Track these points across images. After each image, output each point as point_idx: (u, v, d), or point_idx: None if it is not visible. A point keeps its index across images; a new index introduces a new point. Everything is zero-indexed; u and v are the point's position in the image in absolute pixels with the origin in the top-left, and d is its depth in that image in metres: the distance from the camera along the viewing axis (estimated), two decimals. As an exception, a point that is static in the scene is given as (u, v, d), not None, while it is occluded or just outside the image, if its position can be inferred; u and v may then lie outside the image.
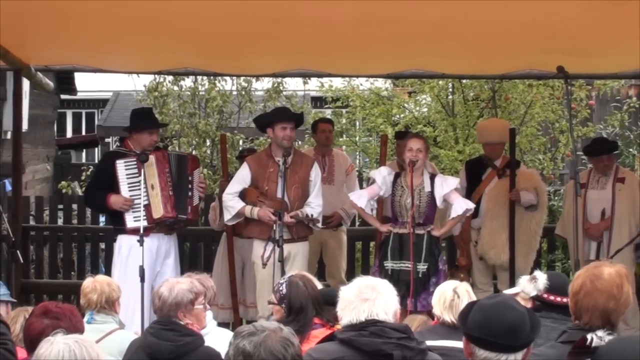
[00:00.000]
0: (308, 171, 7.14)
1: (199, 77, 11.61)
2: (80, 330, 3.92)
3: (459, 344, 4.24)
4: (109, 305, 5.05)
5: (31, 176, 13.78)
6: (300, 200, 7.05)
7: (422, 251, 6.84)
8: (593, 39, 6.61)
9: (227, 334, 4.56)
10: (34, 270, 9.58)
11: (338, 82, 12.73)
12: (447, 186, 6.91)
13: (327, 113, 14.39)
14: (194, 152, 11.41)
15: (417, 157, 6.85)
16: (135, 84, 12.21)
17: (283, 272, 6.27)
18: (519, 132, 11.07)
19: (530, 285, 4.61)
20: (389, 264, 6.90)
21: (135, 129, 7.12)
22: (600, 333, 3.18)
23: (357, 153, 14.65)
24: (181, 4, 5.73)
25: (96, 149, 21.51)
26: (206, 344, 4.26)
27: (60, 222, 9.90)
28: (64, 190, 12.55)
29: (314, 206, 7.08)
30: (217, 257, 8.13)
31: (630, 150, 11.93)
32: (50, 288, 9.45)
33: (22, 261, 7.40)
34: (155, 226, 6.96)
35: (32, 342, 3.86)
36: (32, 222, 9.86)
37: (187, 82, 12.01)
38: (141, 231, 6.52)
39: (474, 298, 4.62)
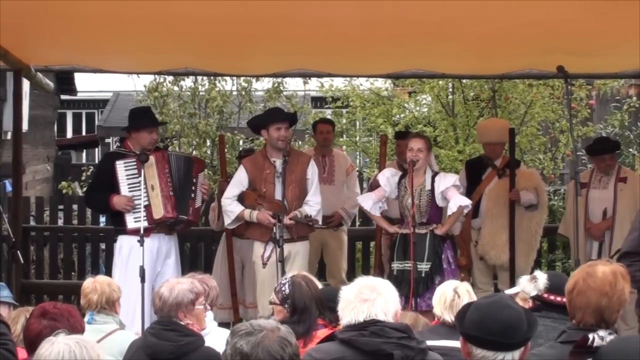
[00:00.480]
0: (304, 169, 7.12)
1: (199, 78, 11.60)
2: (79, 330, 3.92)
3: (459, 344, 4.25)
4: (109, 305, 5.05)
5: (31, 176, 13.78)
6: (298, 200, 7.04)
7: (424, 250, 6.85)
8: (593, 38, 6.61)
9: (227, 334, 4.56)
10: (34, 271, 9.59)
11: (339, 82, 12.72)
12: (444, 183, 6.91)
13: (327, 113, 14.39)
14: (194, 153, 11.42)
15: (417, 156, 6.85)
16: (136, 84, 12.21)
17: (283, 272, 6.27)
18: (519, 131, 11.06)
19: (530, 285, 4.61)
20: (395, 265, 6.94)
21: (135, 129, 7.10)
22: (601, 333, 3.18)
23: (357, 153, 14.65)
24: (181, 4, 5.73)
25: (96, 149, 21.53)
26: (206, 344, 4.26)
27: (60, 222, 9.91)
28: (64, 191, 12.54)
29: (313, 204, 7.07)
30: (217, 257, 8.12)
31: (631, 150, 11.92)
32: (50, 288, 9.45)
33: (22, 261, 7.40)
34: (156, 226, 6.95)
35: (30, 343, 3.87)
36: (32, 223, 9.87)
37: (187, 82, 12.01)
38: (141, 232, 6.52)
39: (475, 298, 4.62)
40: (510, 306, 3.13)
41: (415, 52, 7.46)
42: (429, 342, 3.92)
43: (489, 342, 3.07)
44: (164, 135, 11.57)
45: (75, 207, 9.99)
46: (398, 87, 13.65)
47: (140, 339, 4.45)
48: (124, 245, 6.95)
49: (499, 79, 10.87)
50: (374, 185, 7.53)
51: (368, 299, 3.61)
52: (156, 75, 11.37)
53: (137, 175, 6.89)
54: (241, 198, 7.05)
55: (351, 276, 6.71)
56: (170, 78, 11.60)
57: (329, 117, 11.97)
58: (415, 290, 6.72)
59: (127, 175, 6.94)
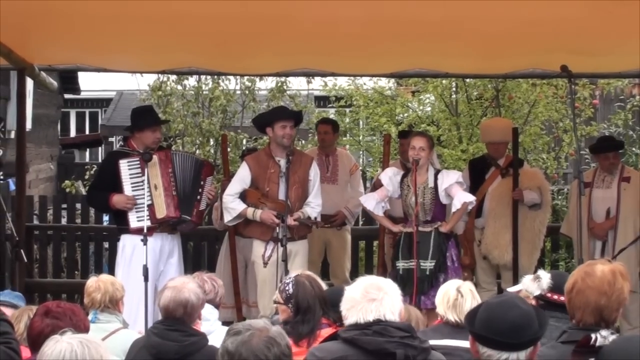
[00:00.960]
0: (307, 170, 7.12)
1: (203, 77, 11.60)
2: (83, 329, 3.92)
3: (462, 343, 4.25)
4: (112, 304, 5.05)
5: (35, 175, 13.77)
6: (300, 201, 7.04)
7: (429, 248, 6.85)
8: (597, 38, 6.60)
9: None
10: (37, 270, 9.60)
11: (342, 81, 12.72)
12: (447, 180, 6.91)
13: (331, 112, 14.38)
14: (197, 152, 11.42)
15: (419, 155, 6.85)
16: (139, 83, 12.23)
17: (287, 271, 6.26)
18: (523, 131, 11.05)
19: (533, 285, 4.59)
20: (399, 264, 6.93)
21: (138, 128, 7.09)
22: (604, 332, 3.17)
23: (361, 152, 14.65)
24: (185, 3, 5.74)
25: (100, 148, 21.55)
26: (210, 343, 4.26)
27: (63, 221, 9.92)
28: (67, 190, 12.56)
29: (314, 206, 7.07)
30: (220, 256, 8.12)
31: (634, 149, 11.90)
32: (53, 287, 9.47)
33: (25, 260, 7.38)
34: (159, 226, 6.95)
35: (33, 341, 3.89)
36: (35, 222, 9.89)
37: (191, 81, 12.01)
38: (144, 231, 6.52)
39: (478, 297, 4.63)
40: (518, 306, 3.12)
41: (419, 52, 7.45)
42: (432, 342, 3.92)
43: (494, 341, 3.06)
44: (168, 134, 11.57)
45: (78, 206, 10.00)
46: (401, 87, 13.66)
47: (142, 339, 4.45)
48: (127, 245, 6.96)
49: (502, 79, 10.87)
50: (376, 185, 7.53)
51: (376, 299, 3.59)
52: (160, 75, 11.38)
53: (140, 175, 6.89)
54: (243, 196, 7.03)
55: (354, 275, 6.71)
56: (173, 77, 11.60)
57: (332, 116, 11.97)
58: (419, 288, 6.72)
59: (130, 175, 6.93)
